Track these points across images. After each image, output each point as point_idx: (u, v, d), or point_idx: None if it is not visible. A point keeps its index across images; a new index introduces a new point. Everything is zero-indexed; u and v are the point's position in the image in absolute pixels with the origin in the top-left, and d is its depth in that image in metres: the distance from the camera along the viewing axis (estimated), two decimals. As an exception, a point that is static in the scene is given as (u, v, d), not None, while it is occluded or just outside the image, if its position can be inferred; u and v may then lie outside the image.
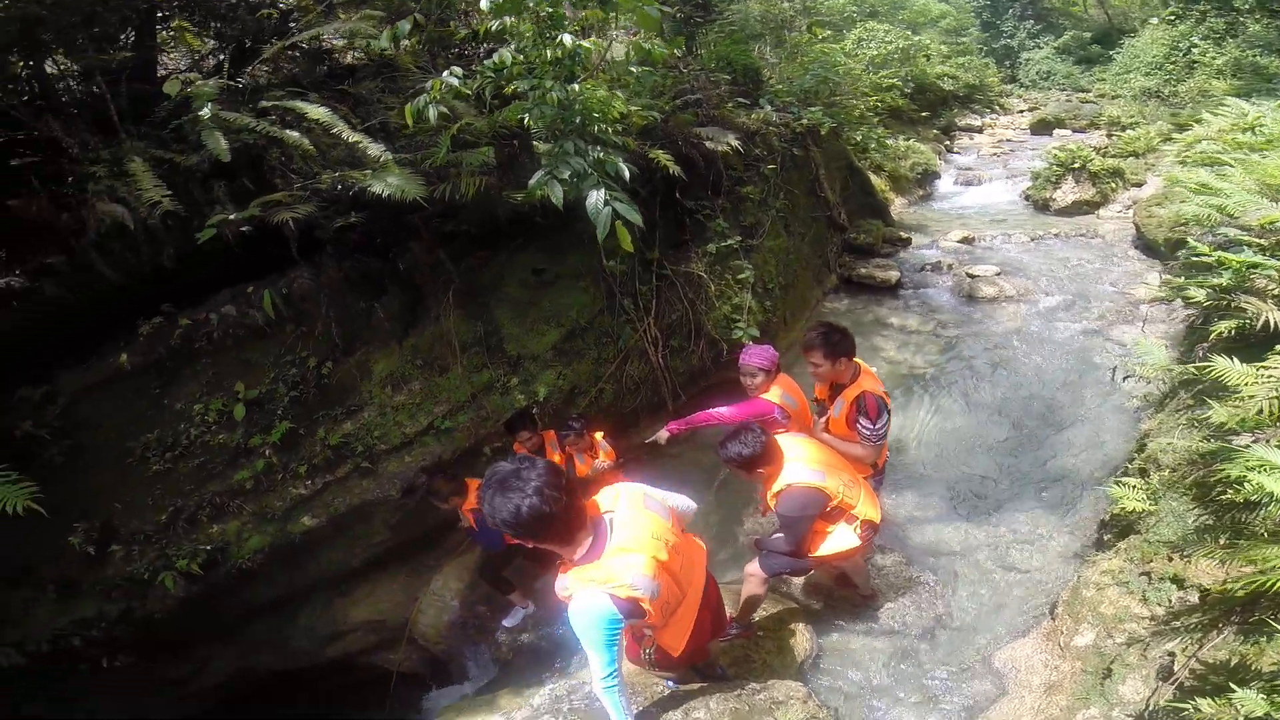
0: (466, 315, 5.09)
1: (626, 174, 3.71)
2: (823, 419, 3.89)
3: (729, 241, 6.03)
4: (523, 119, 4.11)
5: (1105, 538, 4.47)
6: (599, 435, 5.08)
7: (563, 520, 2.18)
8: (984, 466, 5.93)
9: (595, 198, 3.48)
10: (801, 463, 3.38)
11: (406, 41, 4.83)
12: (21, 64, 4.34)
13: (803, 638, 4.29)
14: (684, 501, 2.79)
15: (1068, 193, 12.50)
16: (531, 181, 3.68)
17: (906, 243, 9.98)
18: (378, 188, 4.04)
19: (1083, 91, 25.08)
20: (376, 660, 5.78)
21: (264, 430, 4.60)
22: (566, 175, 3.58)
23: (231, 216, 4.03)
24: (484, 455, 5.21)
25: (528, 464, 2.17)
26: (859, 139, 9.59)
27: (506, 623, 5.39)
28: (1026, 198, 13.34)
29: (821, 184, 8.19)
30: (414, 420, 4.91)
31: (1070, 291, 8.70)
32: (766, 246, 6.76)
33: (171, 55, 5.77)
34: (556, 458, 5.02)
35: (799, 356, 4.54)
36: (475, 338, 5.12)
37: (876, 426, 3.60)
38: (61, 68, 4.60)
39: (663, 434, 4.33)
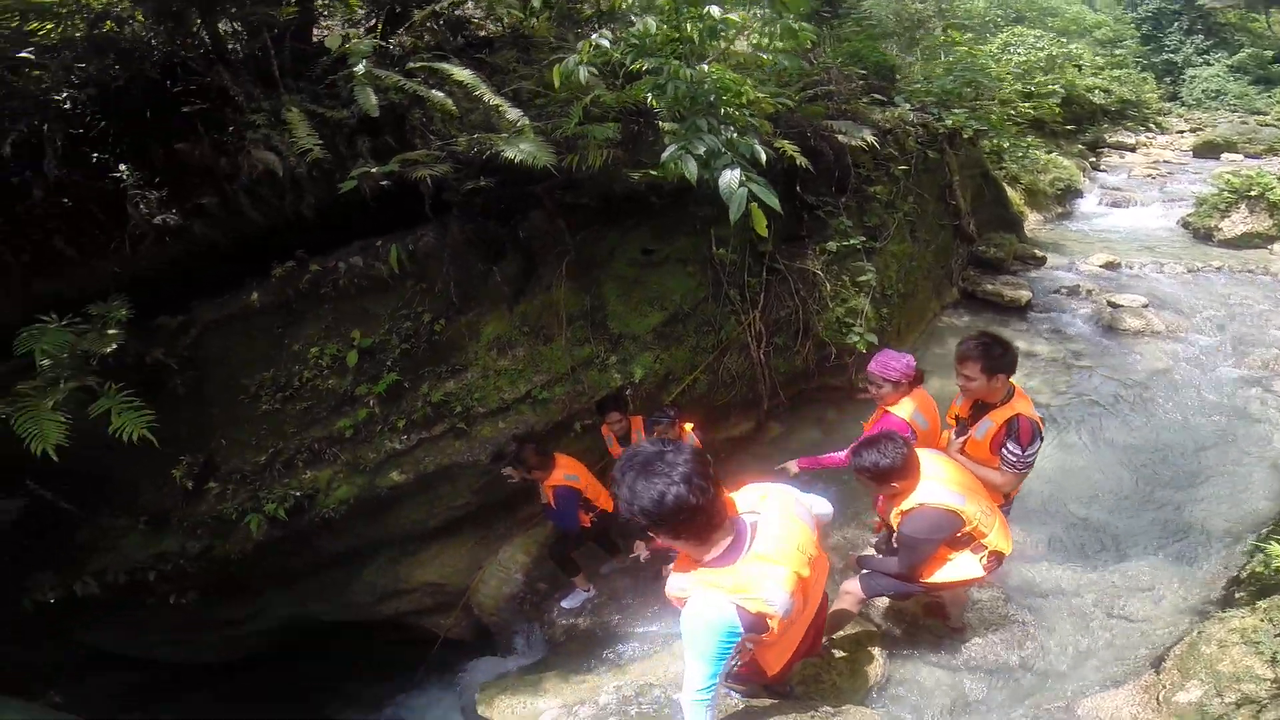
0: (577, 287, 5.12)
1: (762, 157, 3.57)
2: (959, 438, 3.59)
3: (852, 241, 5.74)
4: (647, 97, 4.03)
5: (1238, 595, 4.07)
6: (689, 426, 4.98)
7: (705, 515, 1.96)
8: (1104, 509, 5.45)
9: (729, 177, 3.35)
10: (939, 482, 3.12)
11: (536, 20, 4.87)
12: (198, 21, 4.65)
13: (877, 663, 4.05)
14: (826, 507, 2.54)
15: (1238, 223, 11.15)
16: (664, 155, 3.60)
17: (1040, 262, 9.23)
18: (510, 153, 4.11)
19: (1259, 114, 22.40)
20: (426, 622, 5.91)
21: (371, 380, 4.77)
22: (701, 151, 3.49)
23: (373, 170, 4.19)
24: (573, 431, 5.26)
25: (673, 448, 1.98)
26: (998, 146, 8.88)
27: (565, 603, 5.39)
28: (1185, 225, 12.07)
29: (954, 191, 7.67)
30: (514, 386, 4.98)
31: (1229, 333, 7.77)
32: (889, 250, 6.41)
33: (326, 23, 6.07)
34: None
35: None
36: (582, 311, 5.15)
37: (1026, 454, 3.33)
38: (233, 26, 4.90)
39: (792, 465, 4.13)
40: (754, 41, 4.48)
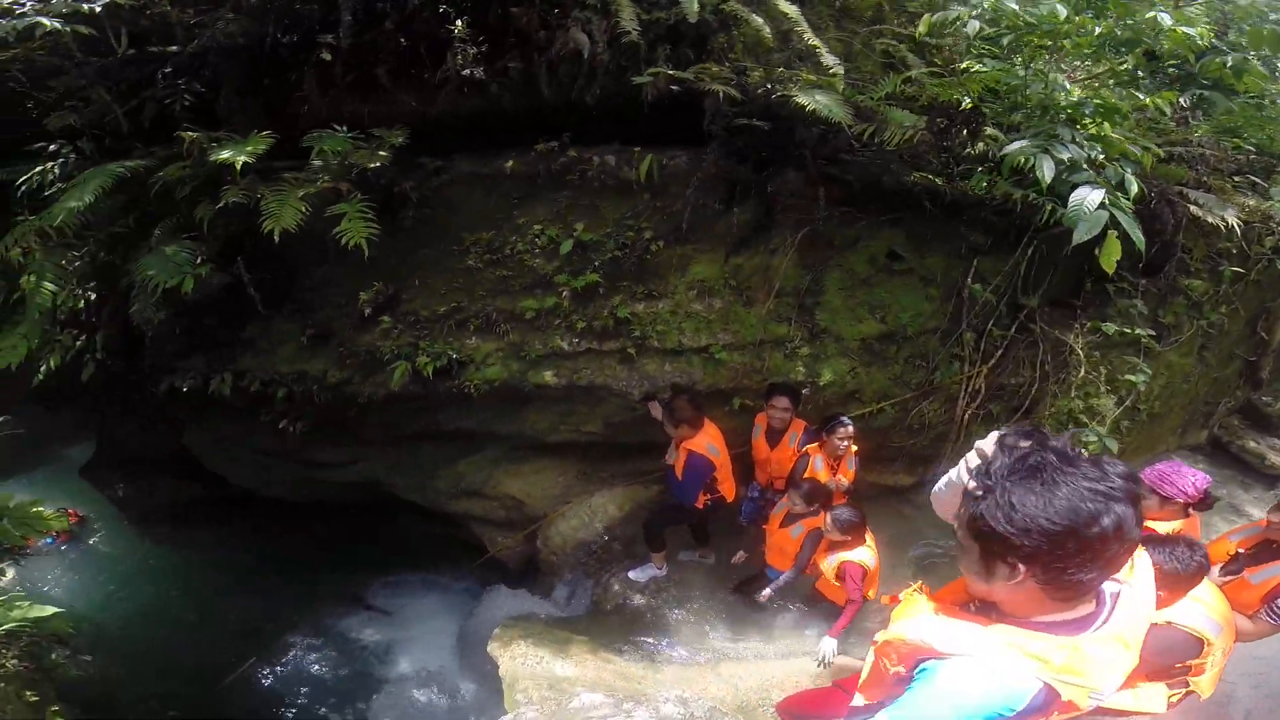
0: (801, 263, 4.72)
1: (1134, 188, 3.06)
2: (1225, 575, 3.28)
3: (1136, 331, 4.76)
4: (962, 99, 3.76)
5: None
6: (854, 449, 4.51)
7: (1116, 562, 1.38)
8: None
9: (1088, 194, 3.04)
10: (1203, 606, 2.87)
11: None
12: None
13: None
14: None
15: None
16: (1011, 148, 3.34)
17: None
18: (804, 99, 3.95)
19: None
20: (484, 533, 5.87)
21: (573, 273, 4.72)
22: (1064, 158, 3.18)
23: (670, 71, 4.14)
24: (730, 405, 4.93)
25: (1110, 462, 1.40)
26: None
27: (633, 574, 5.12)
28: None
29: (1271, 319, 6.18)
30: (697, 334, 4.74)
31: None
32: (1169, 359, 5.34)
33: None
34: (788, 450, 4.59)
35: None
36: (796, 289, 4.76)
37: None
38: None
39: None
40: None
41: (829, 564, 4.13)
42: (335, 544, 7.67)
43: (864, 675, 1.97)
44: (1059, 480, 1.33)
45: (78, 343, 5.81)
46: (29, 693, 3.28)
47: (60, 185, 4.59)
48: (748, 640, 4.68)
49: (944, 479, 1.68)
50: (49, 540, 8.21)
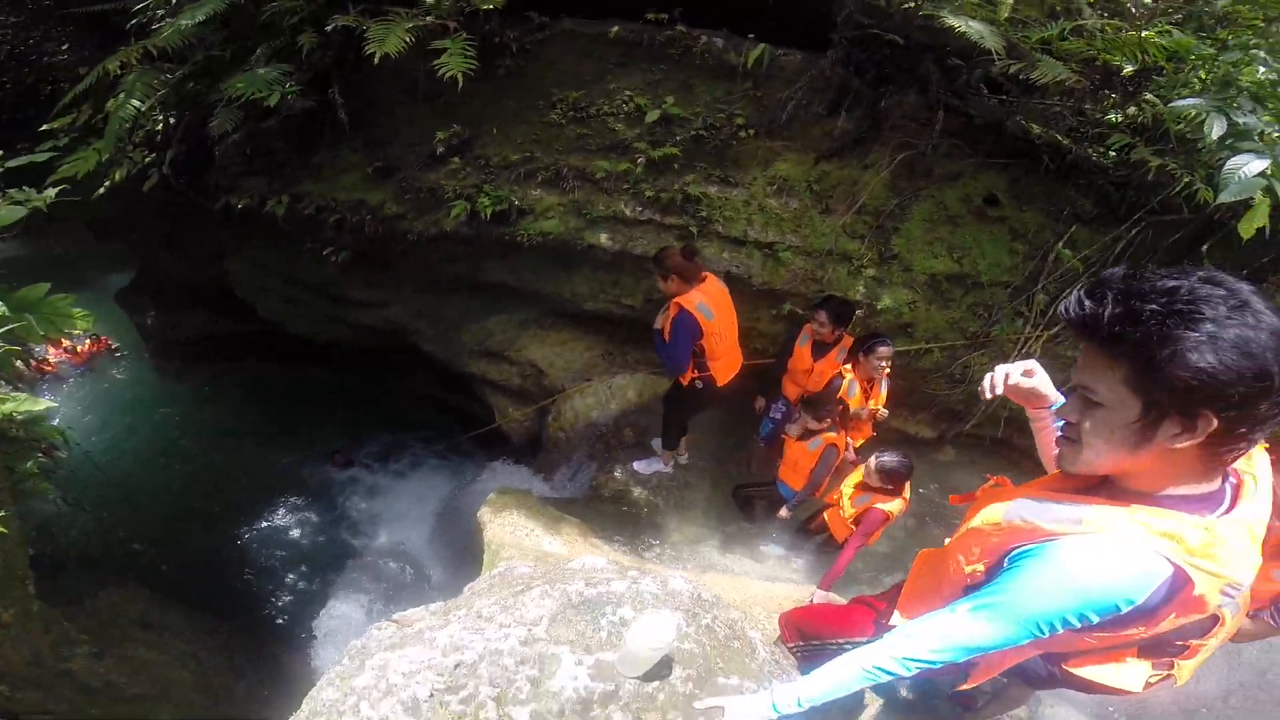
0: (892, 186, 4.42)
1: None
2: None
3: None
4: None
5: None
6: (888, 371, 4.08)
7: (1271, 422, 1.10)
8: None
9: (1248, 161, 2.94)
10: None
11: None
12: None
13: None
14: None
15: None
16: (1182, 102, 3.26)
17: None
18: (955, 22, 3.76)
19: None
20: (495, 401, 5.59)
21: (652, 143, 4.49)
22: (1240, 122, 3.10)
23: None
24: (779, 309, 4.61)
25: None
26: None
27: (638, 465, 4.78)
28: None
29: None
30: (764, 229, 4.44)
31: None
32: None
33: None
34: (834, 364, 4.11)
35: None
36: (878, 209, 4.45)
37: None
38: None
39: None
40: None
41: (855, 503, 3.70)
42: (340, 398, 7.50)
43: (906, 589, 1.72)
44: (1261, 319, 1.02)
45: (148, 159, 5.79)
46: None
47: (169, 20, 4.59)
48: (736, 556, 4.37)
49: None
50: (74, 368, 8.12)
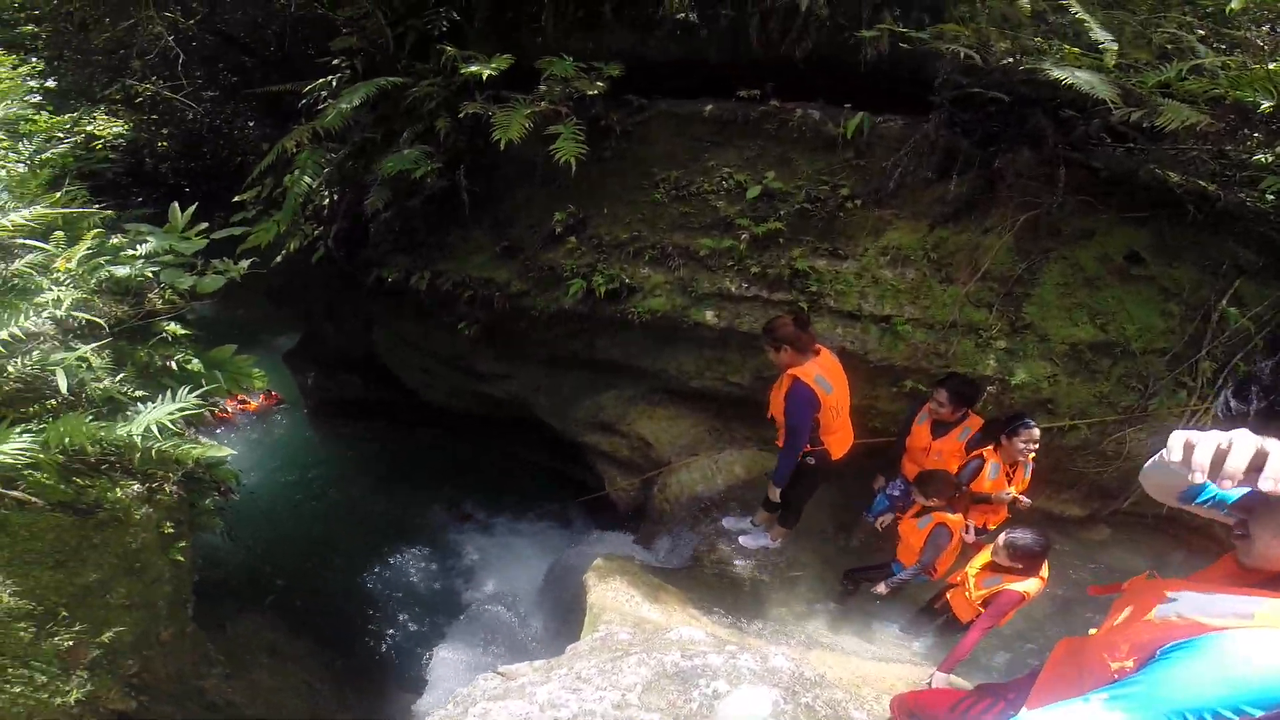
0: (1017, 249, 4.07)
1: None
2: None
3: None
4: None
5: None
6: (1033, 456, 3.67)
7: None
8: None
9: None
10: None
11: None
12: None
13: None
14: None
15: None
16: None
17: None
18: (1060, 74, 3.57)
19: None
20: (605, 470, 5.59)
21: (755, 219, 4.47)
22: None
23: (900, 28, 3.92)
24: (899, 386, 4.31)
25: None
26: None
27: (744, 540, 4.52)
28: None
29: None
30: (880, 302, 4.24)
31: None
32: None
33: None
34: (954, 444, 3.77)
35: None
36: (1004, 275, 4.13)
37: None
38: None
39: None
40: None
41: (983, 584, 3.31)
42: (461, 460, 7.91)
43: (1042, 679, 1.58)
44: None
45: (316, 232, 6.59)
46: (168, 524, 3.20)
47: (331, 101, 5.22)
48: (846, 635, 4.03)
49: (1157, 457, 1.27)
50: (245, 417, 9.21)
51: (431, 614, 6.10)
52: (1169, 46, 3.86)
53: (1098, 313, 3.97)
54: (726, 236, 4.51)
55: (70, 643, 2.54)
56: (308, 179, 5.13)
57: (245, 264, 3.86)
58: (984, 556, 3.35)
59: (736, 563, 4.45)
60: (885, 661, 3.67)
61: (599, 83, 4.49)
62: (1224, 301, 3.77)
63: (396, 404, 7.97)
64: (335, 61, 5.72)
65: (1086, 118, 3.85)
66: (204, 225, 3.81)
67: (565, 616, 4.86)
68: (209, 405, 4.44)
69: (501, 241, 5.29)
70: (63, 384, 2.49)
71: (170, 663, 3.17)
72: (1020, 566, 3.13)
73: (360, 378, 8.23)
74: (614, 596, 3.81)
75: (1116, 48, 3.66)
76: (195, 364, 4.06)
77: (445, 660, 4.88)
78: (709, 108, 4.58)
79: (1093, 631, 1.45)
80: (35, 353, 2.64)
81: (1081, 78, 3.50)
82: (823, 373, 3.54)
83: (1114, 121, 3.73)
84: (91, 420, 2.53)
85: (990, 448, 3.72)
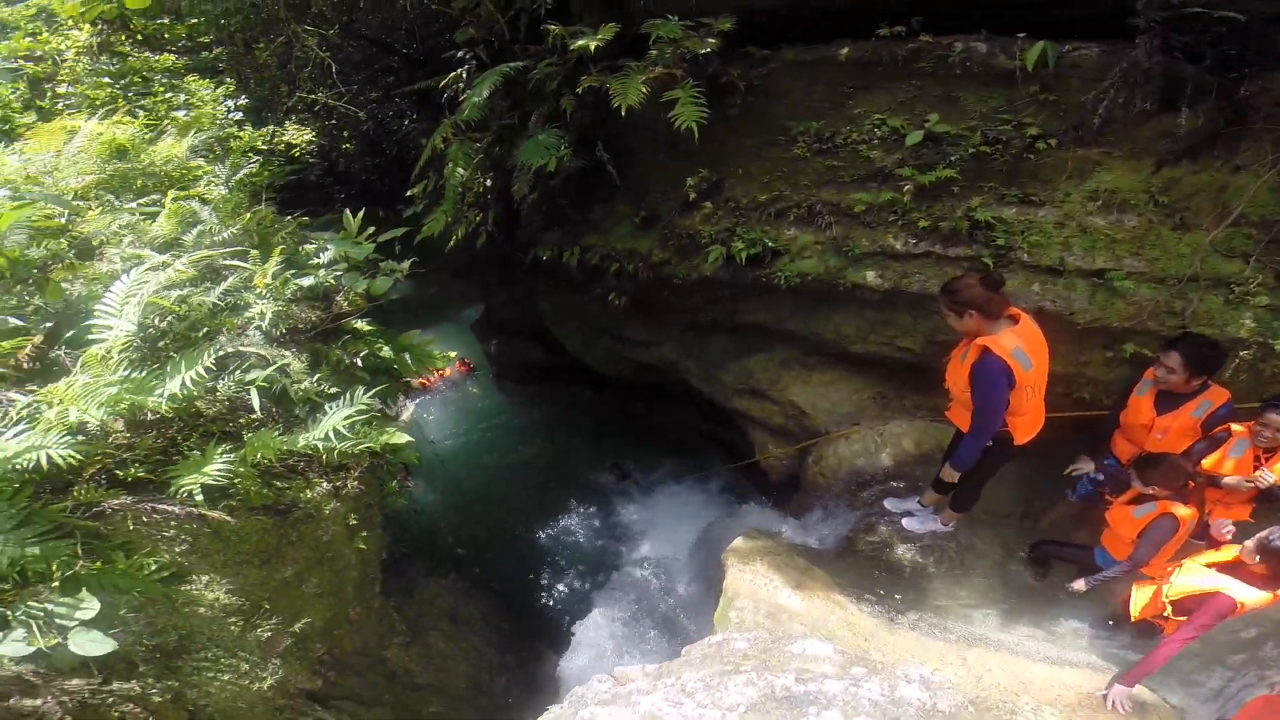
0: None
1: None
2: None
3: None
4: None
5: None
6: None
7: None
8: None
9: None
10: None
11: None
12: None
13: None
14: None
15: None
16: None
17: None
18: None
19: None
20: (755, 437, 5.25)
21: (920, 167, 3.82)
22: None
23: None
24: (1116, 350, 3.50)
25: None
26: None
27: (908, 523, 3.98)
28: None
29: None
30: (1090, 253, 3.44)
31: None
32: None
33: None
34: (1186, 420, 3.02)
35: None
36: (1266, 222, 3.16)
37: None
38: None
39: None
40: None
41: (1189, 583, 2.67)
42: (628, 420, 8.08)
43: None
44: None
45: (478, 218, 6.92)
46: (353, 516, 3.34)
47: (467, 89, 5.26)
48: (1020, 631, 3.44)
49: None
50: (444, 381, 10.25)
51: (591, 574, 6.32)
52: None
53: None
54: (885, 189, 3.93)
55: (269, 633, 2.75)
56: (461, 170, 5.30)
57: (406, 264, 4.09)
58: (1212, 555, 2.74)
59: (898, 546, 3.97)
60: (1058, 665, 3.08)
61: (710, 39, 4.09)
62: None
63: (567, 368, 8.34)
64: (460, 54, 5.78)
65: None
66: (371, 229, 4.08)
67: (710, 586, 4.77)
68: (398, 386, 4.91)
69: (640, 212, 5.12)
70: (256, 404, 2.79)
71: (357, 638, 3.50)
72: (1265, 571, 2.51)
73: (535, 343, 8.72)
74: (751, 580, 3.61)
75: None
76: (386, 351, 4.46)
77: (595, 623, 5.01)
78: (845, 50, 3.97)
79: None
80: (237, 371, 2.98)
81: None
82: (1022, 344, 2.85)
83: None
84: (279, 434, 2.81)
85: (1243, 427, 2.90)
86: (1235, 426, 2.90)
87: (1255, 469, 2.86)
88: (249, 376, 2.85)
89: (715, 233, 4.56)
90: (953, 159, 3.68)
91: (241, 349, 3.09)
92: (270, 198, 4.74)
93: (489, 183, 6.62)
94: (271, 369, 3.10)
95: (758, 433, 5.36)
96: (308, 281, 3.65)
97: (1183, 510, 2.83)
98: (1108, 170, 3.38)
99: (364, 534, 3.56)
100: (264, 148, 6.00)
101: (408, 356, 4.59)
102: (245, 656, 2.59)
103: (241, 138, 5.35)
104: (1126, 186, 3.33)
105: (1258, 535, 2.54)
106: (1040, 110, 3.53)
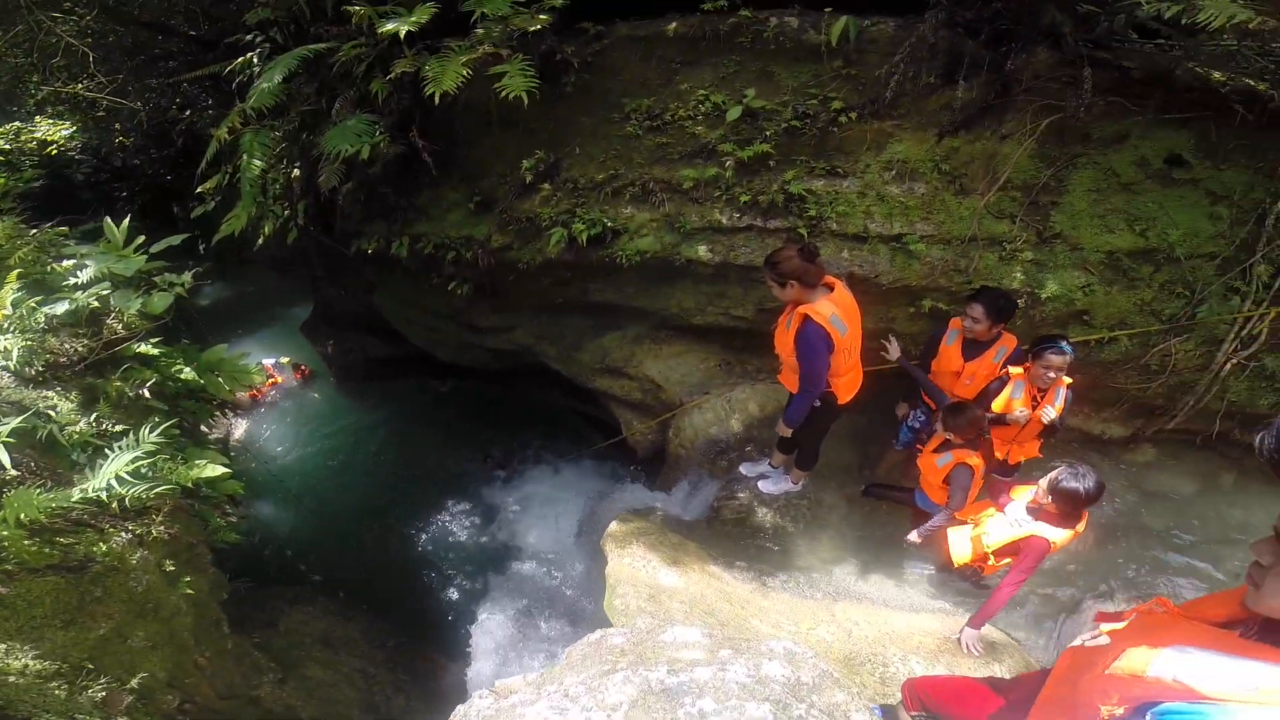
0: (1040, 155, 3.51)
1: None
2: None
3: None
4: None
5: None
6: (1066, 381, 3.26)
7: None
8: None
9: None
10: None
11: None
12: None
13: None
14: None
15: None
16: None
17: None
18: None
19: None
20: (620, 415, 5.36)
21: (739, 143, 3.94)
22: None
23: None
24: (917, 306, 3.88)
25: None
26: None
27: (763, 485, 4.25)
28: None
29: None
30: (888, 220, 3.75)
31: None
32: None
33: None
34: (989, 365, 3.40)
35: None
36: (1027, 183, 3.59)
37: None
38: None
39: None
40: None
41: (1006, 532, 2.99)
42: (492, 407, 7.77)
43: (1041, 701, 1.50)
44: None
45: (285, 212, 6.17)
46: (168, 562, 3.04)
47: (259, 75, 4.68)
48: (876, 581, 3.81)
49: None
50: (276, 390, 9.20)
51: (478, 574, 6.11)
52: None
53: (1136, 219, 3.42)
54: (710, 165, 4.01)
55: (103, 692, 2.54)
56: (258, 161, 4.69)
57: (188, 276, 3.55)
58: (1019, 496, 3.03)
59: (759, 510, 4.21)
60: (916, 611, 3.47)
61: (541, 16, 3.88)
62: (1281, 201, 3.18)
63: (414, 360, 7.82)
64: (250, 37, 5.09)
65: (1110, 13, 3.22)
66: (140, 240, 3.47)
67: (595, 566, 4.82)
68: (210, 409, 4.29)
69: (474, 196, 4.85)
70: (5, 460, 2.30)
71: (217, 682, 3.18)
72: (1059, 509, 2.76)
73: (375, 338, 8.06)
74: (630, 564, 3.67)
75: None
76: (187, 373, 3.87)
77: (492, 626, 4.90)
78: (673, 25, 3.98)
79: (1101, 638, 1.39)
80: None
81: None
82: (838, 311, 3.09)
83: (1142, 17, 3.12)
84: (42, 492, 2.36)
85: (1021, 369, 3.32)
86: (1013, 369, 3.31)
87: (1033, 408, 3.31)
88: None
89: (555, 214, 4.44)
90: (768, 134, 3.81)
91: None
92: (8, 208, 3.87)
93: (295, 173, 5.93)
94: (22, 418, 2.57)
95: (621, 410, 5.41)
96: (62, 308, 3.04)
97: (974, 460, 3.19)
98: (899, 141, 3.67)
99: (188, 578, 3.16)
100: (7, 147, 4.89)
101: (217, 375, 4.04)
102: (83, 719, 2.32)
103: (-36, 136, 4.32)
104: (915, 156, 3.64)
105: (1048, 475, 2.79)
106: (843, 85, 3.74)
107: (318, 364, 9.17)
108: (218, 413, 5.77)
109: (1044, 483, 2.78)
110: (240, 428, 8.36)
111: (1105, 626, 1.48)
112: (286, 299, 10.30)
